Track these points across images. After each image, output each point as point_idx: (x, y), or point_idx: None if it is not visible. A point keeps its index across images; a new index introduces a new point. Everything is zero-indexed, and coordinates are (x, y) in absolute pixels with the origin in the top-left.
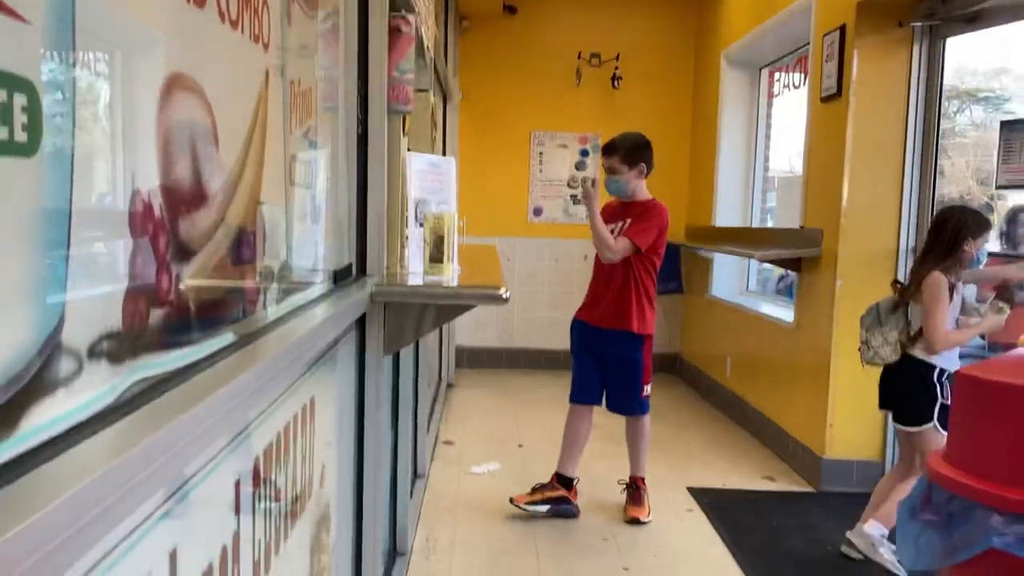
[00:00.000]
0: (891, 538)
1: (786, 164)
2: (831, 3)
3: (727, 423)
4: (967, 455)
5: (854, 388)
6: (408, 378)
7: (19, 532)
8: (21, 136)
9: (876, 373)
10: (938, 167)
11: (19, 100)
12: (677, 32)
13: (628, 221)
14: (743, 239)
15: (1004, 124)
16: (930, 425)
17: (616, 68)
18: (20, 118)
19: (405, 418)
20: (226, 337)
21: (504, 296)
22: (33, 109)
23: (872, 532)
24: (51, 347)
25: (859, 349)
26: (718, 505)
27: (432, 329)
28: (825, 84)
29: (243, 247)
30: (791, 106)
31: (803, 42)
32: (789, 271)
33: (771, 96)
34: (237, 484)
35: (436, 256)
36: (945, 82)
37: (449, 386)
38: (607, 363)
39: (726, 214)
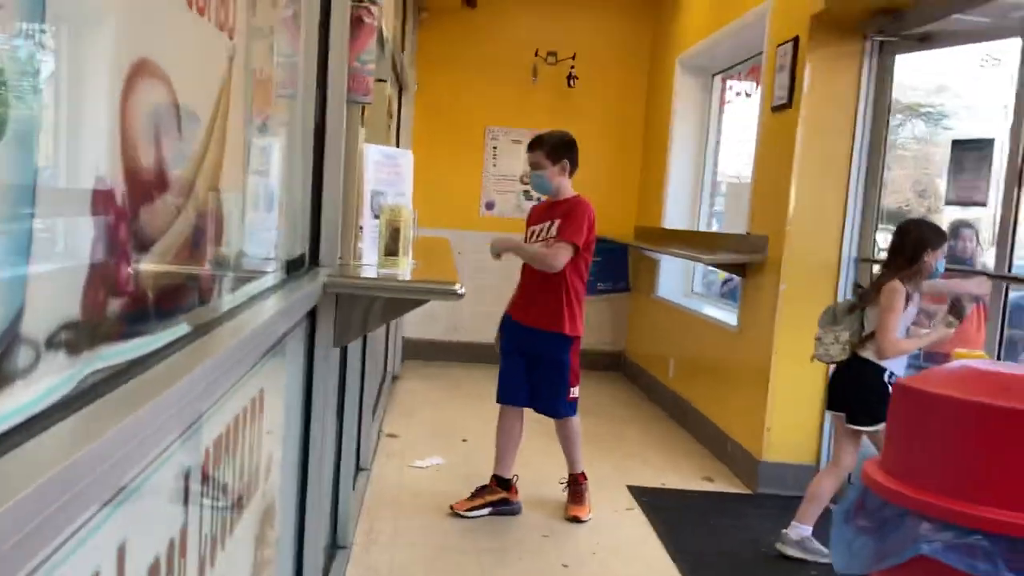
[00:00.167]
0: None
1: (735, 170)
2: (785, 15)
3: (668, 423)
4: (901, 463)
5: (793, 393)
6: (355, 369)
7: None
8: None
9: (814, 379)
10: (884, 181)
11: None
12: (633, 35)
13: (556, 221)
14: (691, 242)
15: (955, 143)
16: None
17: (572, 67)
18: None
19: (350, 410)
20: (181, 327)
21: (460, 291)
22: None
23: (801, 531)
24: (10, 338)
25: (814, 344)
26: (657, 504)
27: (384, 322)
28: (777, 94)
29: (201, 236)
30: (742, 114)
31: (756, 51)
32: (734, 275)
33: (723, 103)
34: (187, 477)
35: (391, 249)
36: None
37: (395, 378)
38: (536, 364)
39: (675, 216)
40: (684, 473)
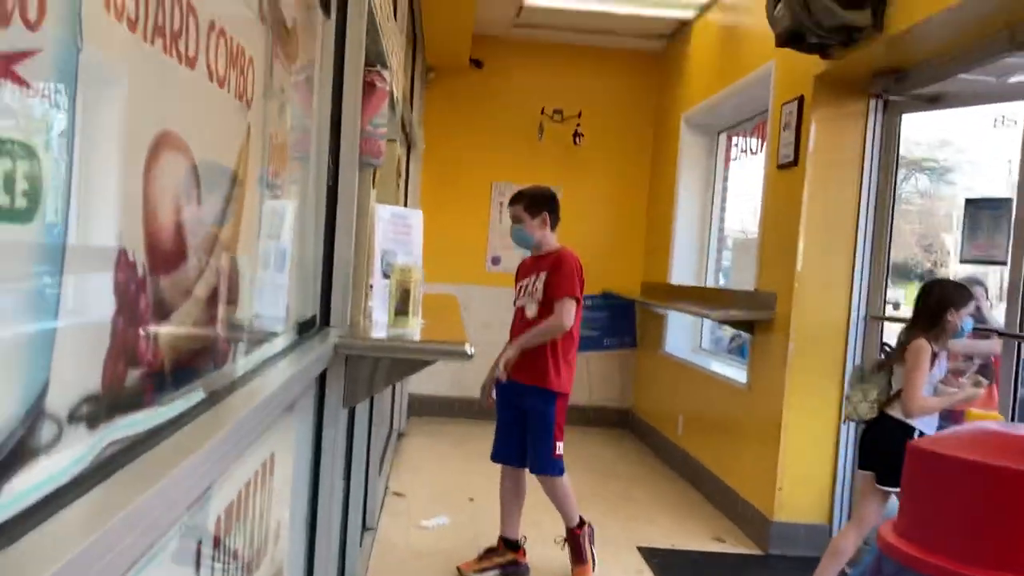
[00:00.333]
0: None
1: (742, 225)
2: (789, 75)
3: (678, 481)
4: (917, 528)
5: (804, 452)
6: (362, 427)
7: None
8: (21, 202)
9: (826, 438)
10: (892, 238)
11: (22, 167)
12: (638, 93)
13: (542, 274)
14: (698, 298)
15: (969, 202)
16: None
17: (578, 125)
18: (21, 184)
19: (357, 468)
20: (197, 394)
21: (469, 353)
22: (34, 175)
23: None
24: (35, 414)
25: (843, 403)
26: (668, 566)
27: (393, 383)
28: (782, 152)
29: (217, 301)
30: (748, 170)
31: (761, 109)
32: (742, 332)
33: (728, 160)
34: (199, 545)
35: (402, 309)
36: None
37: (400, 435)
38: (525, 417)
39: (681, 272)
40: (695, 533)
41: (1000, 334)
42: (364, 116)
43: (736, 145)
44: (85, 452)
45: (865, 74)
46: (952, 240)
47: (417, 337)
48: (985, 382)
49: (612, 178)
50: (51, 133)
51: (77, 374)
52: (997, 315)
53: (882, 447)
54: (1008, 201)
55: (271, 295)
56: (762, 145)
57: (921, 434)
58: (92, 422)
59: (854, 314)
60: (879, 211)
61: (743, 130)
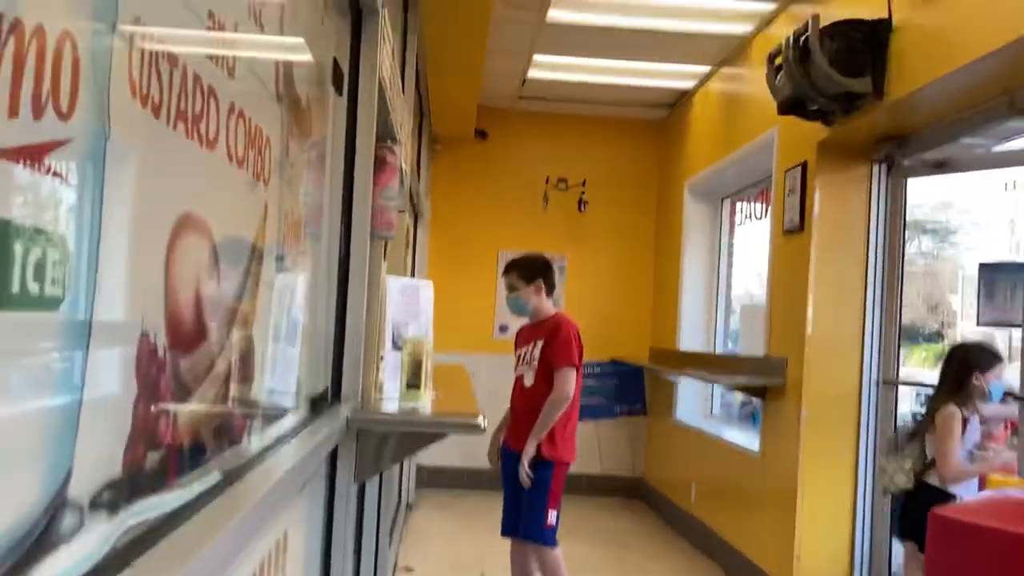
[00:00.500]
0: None
1: (750, 289)
2: (792, 141)
3: (693, 552)
4: None
5: (821, 520)
6: (372, 500)
7: None
8: (50, 290)
9: (843, 506)
10: (903, 300)
11: (52, 255)
12: (642, 161)
13: (539, 342)
14: (708, 364)
15: (983, 267)
16: None
17: (583, 193)
18: (51, 272)
19: (368, 544)
20: (213, 476)
21: (482, 426)
22: (63, 262)
23: None
24: (58, 503)
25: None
26: None
27: (405, 457)
28: (787, 217)
29: (236, 381)
30: (753, 235)
31: (765, 175)
32: (753, 397)
33: (733, 225)
34: None
35: (413, 382)
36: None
37: (409, 507)
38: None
39: (690, 338)
40: None
41: (1016, 397)
42: (376, 189)
43: (740, 211)
44: (105, 539)
45: (867, 139)
46: (958, 301)
47: (429, 410)
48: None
49: (617, 245)
50: (79, 220)
51: (99, 460)
52: (1011, 377)
53: (922, 516)
54: (1023, 266)
55: (285, 371)
56: (767, 210)
57: (962, 500)
58: (112, 508)
59: (866, 378)
60: (888, 275)
61: (747, 196)
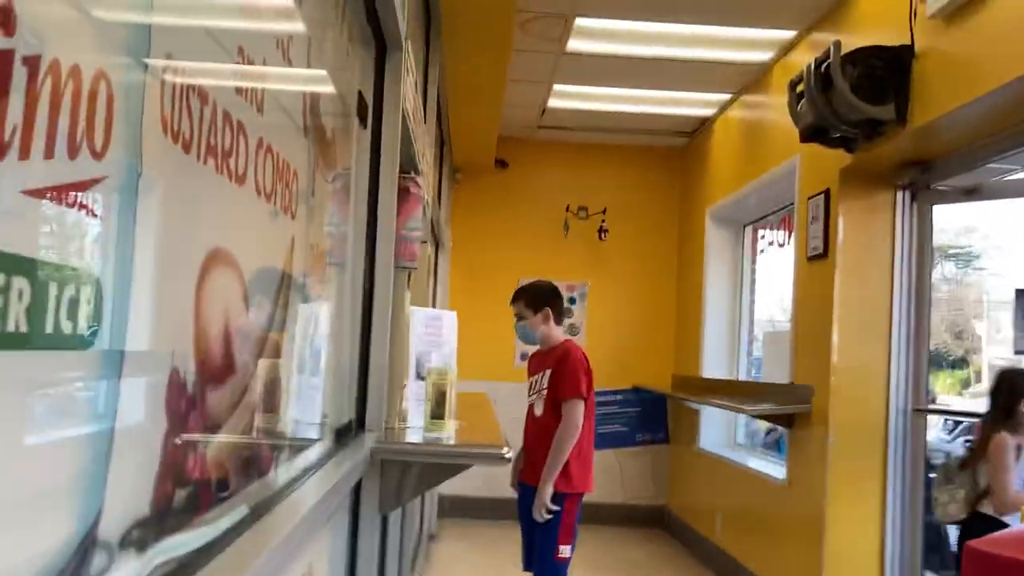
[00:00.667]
0: None
1: (774, 316)
2: (815, 168)
3: None
4: None
5: (849, 550)
6: (395, 531)
7: None
8: (83, 328)
9: (871, 536)
10: (931, 327)
11: (85, 293)
12: (662, 188)
13: (548, 372)
14: (732, 392)
15: (1020, 292)
16: None
17: (603, 221)
18: (85, 310)
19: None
20: (241, 509)
21: (507, 456)
22: (96, 301)
23: None
24: (88, 543)
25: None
26: None
27: (429, 488)
28: (811, 244)
29: (263, 413)
30: (776, 262)
31: (787, 202)
32: (778, 426)
33: (755, 252)
34: None
35: (437, 413)
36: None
37: (431, 537)
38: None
39: (713, 365)
40: None
41: None
42: (399, 220)
43: (763, 237)
44: None
45: (891, 166)
46: (983, 327)
47: (453, 440)
48: None
49: (639, 272)
50: (112, 256)
51: (129, 498)
52: None
53: None
54: None
55: (310, 402)
56: (789, 237)
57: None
58: (141, 546)
59: (893, 406)
60: (917, 302)
61: (769, 223)
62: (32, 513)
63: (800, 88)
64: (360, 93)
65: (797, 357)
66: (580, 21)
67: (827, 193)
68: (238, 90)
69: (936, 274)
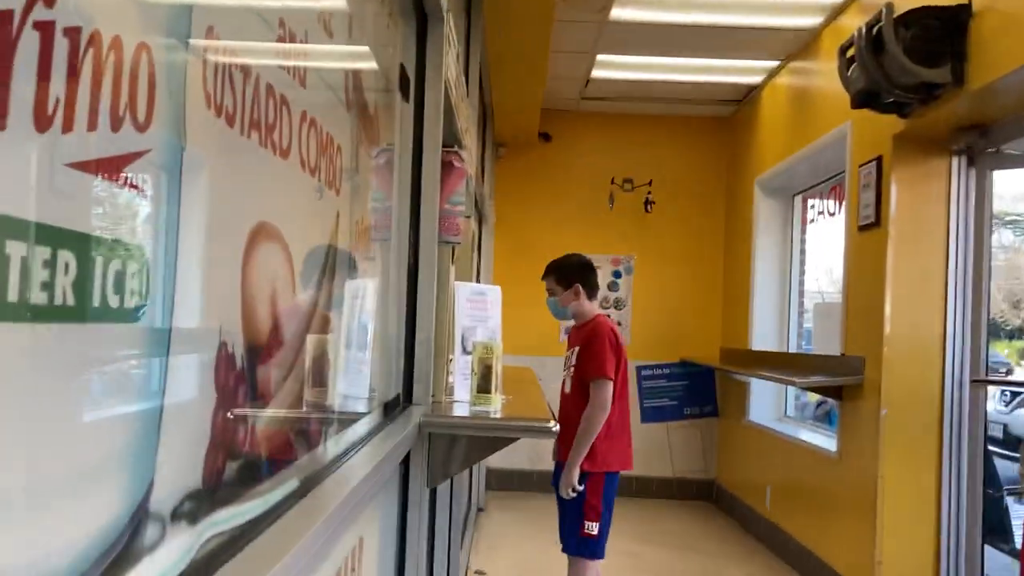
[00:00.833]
0: None
1: (823, 287)
2: (866, 135)
3: (768, 556)
4: None
5: (904, 524)
6: (443, 504)
7: None
8: (131, 301)
9: (927, 509)
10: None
11: (131, 267)
12: (709, 158)
13: (577, 348)
14: (781, 364)
15: None
16: None
17: (649, 193)
18: (131, 284)
19: (440, 548)
20: (291, 483)
21: (554, 429)
22: (143, 274)
23: None
24: (141, 514)
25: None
26: None
27: (476, 461)
28: (863, 213)
29: (311, 388)
30: (826, 231)
31: (837, 171)
32: (829, 398)
33: (805, 222)
34: None
35: (483, 387)
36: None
37: (480, 510)
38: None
39: (762, 337)
40: None
41: None
42: (443, 195)
43: (813, 207)
44: (187, 550)
45: (946, 131)
46: None
47: (500, 414)
48: None
49: (686, 244)
50: (157, 230)
51: (179, 470)
52: None
53: None
54: None
55: (358, 377)
56: (840, 206)
57: None
58: (193, 518)
59: (948, 378)
60: (975, 270)
61: (820, 192)
62: (85, 484)
63: (851, 53)
64: (402, 67)
65: (848, 328)
66: None
67: (879, 160)
68: (281, 65)
69: (993, 242)
